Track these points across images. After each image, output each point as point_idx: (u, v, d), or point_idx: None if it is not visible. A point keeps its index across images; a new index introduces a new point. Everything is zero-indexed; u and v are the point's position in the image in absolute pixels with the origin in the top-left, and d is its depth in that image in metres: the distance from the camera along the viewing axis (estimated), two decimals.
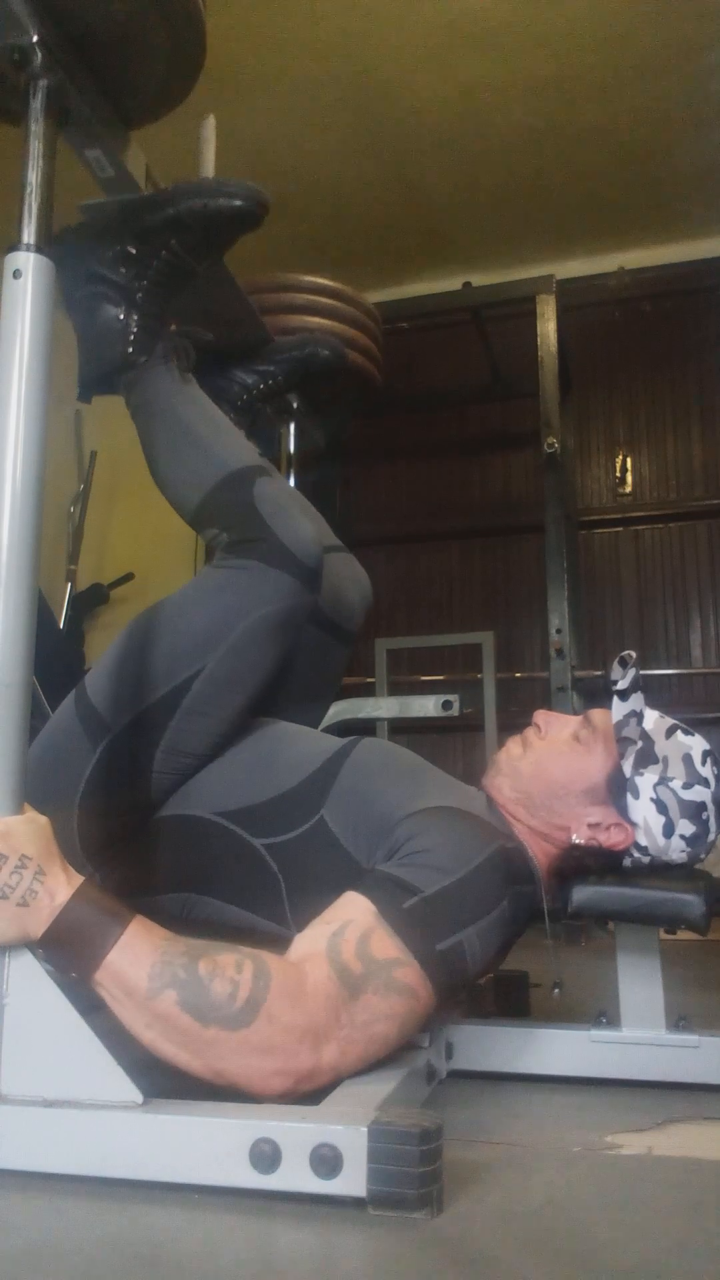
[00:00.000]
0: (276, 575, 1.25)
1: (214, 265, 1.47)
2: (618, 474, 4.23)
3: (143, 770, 1.24)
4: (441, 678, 3.90)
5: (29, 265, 1.03)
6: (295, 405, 2.44)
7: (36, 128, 1.08)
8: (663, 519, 4.15)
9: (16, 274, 1.03)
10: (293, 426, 2.72)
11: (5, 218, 1.09)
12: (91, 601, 4.22)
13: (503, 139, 3.58)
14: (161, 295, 1.38)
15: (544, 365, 3.54)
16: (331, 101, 3.41)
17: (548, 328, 3.56)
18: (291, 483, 2.74)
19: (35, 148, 1.08)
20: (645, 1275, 0.74)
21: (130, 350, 1.36)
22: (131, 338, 1.36)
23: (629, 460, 4.22)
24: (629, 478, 4.21)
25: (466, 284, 3.93)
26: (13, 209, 1.07)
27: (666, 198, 3.89)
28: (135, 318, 1.36)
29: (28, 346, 1.02)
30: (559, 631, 3.31)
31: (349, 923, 1.02)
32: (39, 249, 1.05)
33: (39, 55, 1.07)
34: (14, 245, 1.04)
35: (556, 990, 1.32)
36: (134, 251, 1.35)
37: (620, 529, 4.20)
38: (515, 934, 1.23)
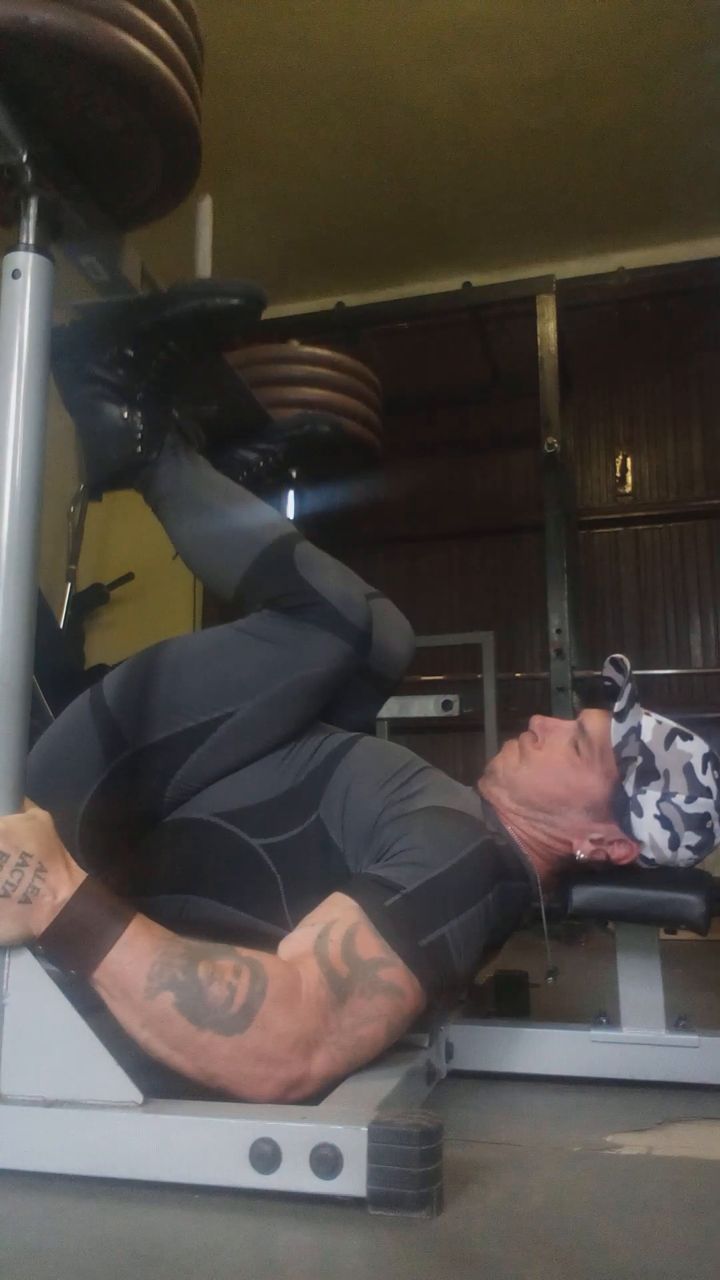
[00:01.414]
0: (328, 639, 1.25)
1: (212, 361, 1.47)
2: (618, 474, 4.23)
3: (154, 792, 1.25)
4: (441, 678, 3.90)
5: (28, 265, 1.03)
6: (294, 474, 2.46)
7: (28, 242, 1.06)
8: (663, 519, 4.15)
9: (15, 274, 1.03)
10: (291, 494, 2.74)
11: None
12: (91, 601, 4.21)
13: (503, 139, 3.58)
14: (162, 393, 1.38)
15: (544, 365, 3.54)
16: (331, 101, 3.40)
17: (548, 328, 3.56)
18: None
19: (25, 289, 1.06)
20: (645, 1275, 0.74)
21: (139, 449, 1.35)
22: (139, 436, 1.35)
23: (629, 460, 4.22)
24: (629, 478, 4.21)
25: (466, 284, 3.93)
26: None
27: (666, 198, 3.89)
28: (139, 415, 1.35)
29: (27, 346, 1.02)
30: (559, 631, 3.31)
31: (333, 923, 1.02)
32: (38, 249, 1.05)
33: (29, 173, 1.06)
34: (13, 245, 1.04)
35: (551, 978, 1.32)
36: (132, 354, 1.34)
37: (620, 529, 4.19)
38: (508, 929, 1.23)
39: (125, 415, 1.35)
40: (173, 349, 1.34)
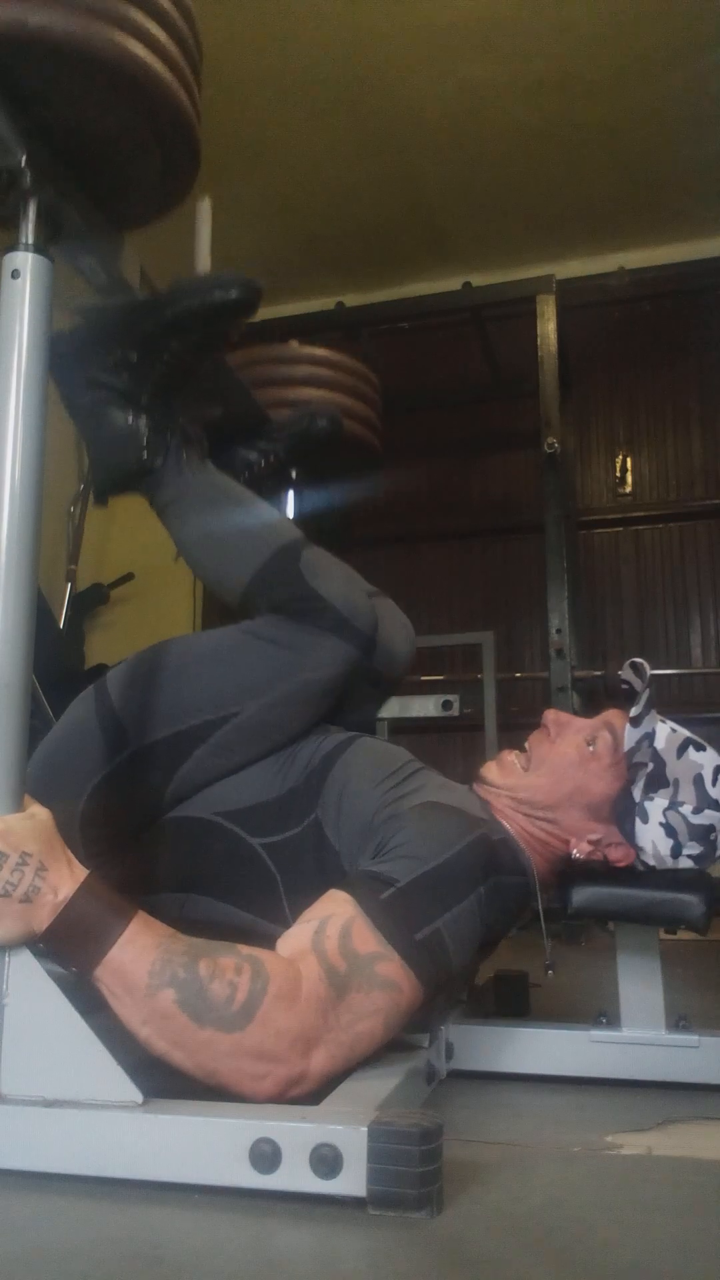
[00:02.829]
0: (335, 643, 1.26)
1: (213, 361, 1.47)
2: (618, 474, 4.23)
3: (155, 789, 1.25)
4: (441, 678, 3.90)
5: (27, 265, 1.03)
6: (294, 475, 2.46)
7: (27, 242, 1.06)
8: (663, 519, 4.15)
9: (15, 274, 1.03)
10: (291, 495, 2.74)
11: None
12: (91, 601, 4.21)
13: (503, 139, 3.58)
14: (167, 395, 1.37)
15: (544, 365, 3.54)
16: (331, 101, 3.40)
17: (548, 328, 3.56)
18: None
19: (24, 293, 1.06)
20: (645, 1275, 0.74)
21: (145, 455, 1.35)
22: (144, 442, 1.35)
23: (629, 460, 4.22)
24: (629, 478, 4.21)
25: (466, 284, 3.93)
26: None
27: (666, 198, 3.89)
28: (144, 420, 1.35)
29: (26, 346, 1.02)
30: (559, 631, 3.31)
31: (329, 918, 1.03)
32: (38, 249, 1.05)
33: (28, 175, 1.06)
34: (12, 245, 1.04)
35: (549, 972, 1.32)
36: (135, 358, 1.33)
37: (620, 529, 4.19)
38: (505, 924, 1.23)
39: (130, 420, 1.34)
40: (175, 349, 1.33)
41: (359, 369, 2.75)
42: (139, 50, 1.06)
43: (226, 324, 1.33)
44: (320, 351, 2.63)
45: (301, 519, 2.21)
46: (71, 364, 1.34)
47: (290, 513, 2.71)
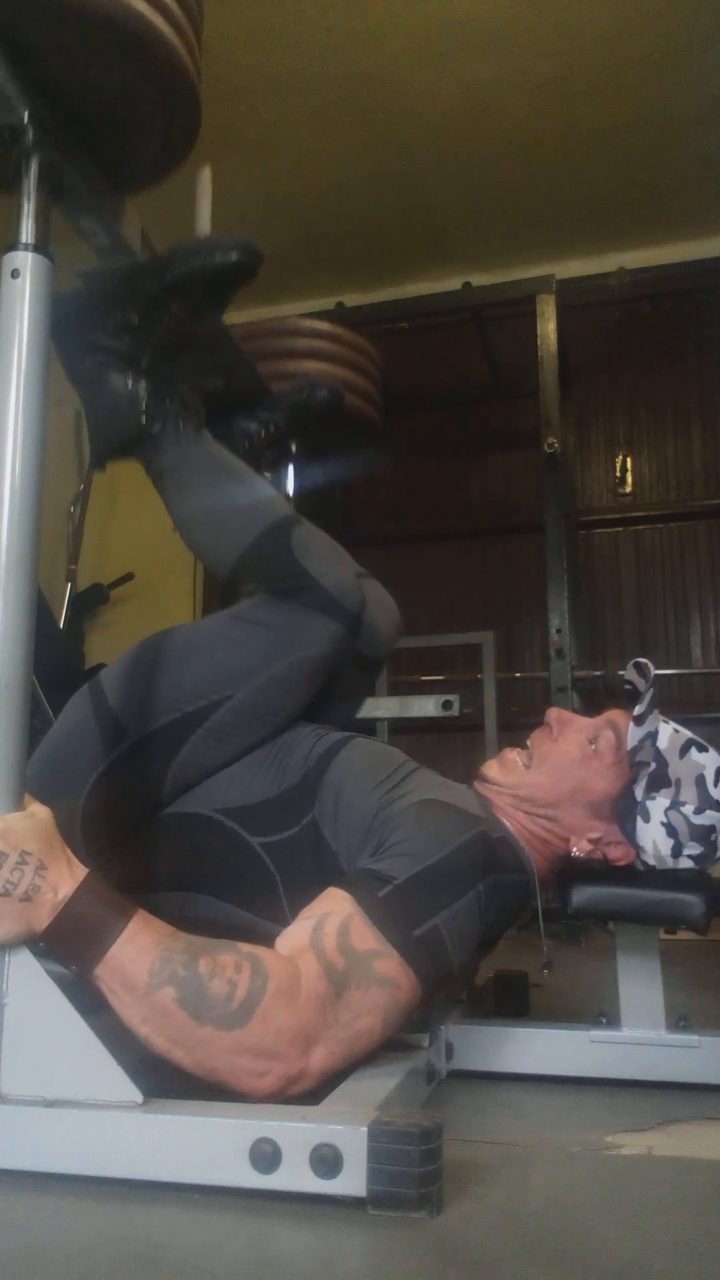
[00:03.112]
0: (324, 622, 1.27)
1: (215, 323, 1.46)
2: (618, 474, 4.23)
3: (154, 779, 1.25)
4: (441, 678, 3.90)
5: (27, 264, 1.03)
6: (294, 449, 2.45)
7: (29, 202, 1.06)
8: (663, 519, 4.14)
9: (15, 274, 1.03)
10: (291, 469, 2.73)
11: (5, 218, 1.08)
12: (91, 601, 4.21)
13: (503, 139, 3.58)
14: (167, 360, 1.37)
15: (544, 365, 3.54)
16: (331, 101, 3.40)
17: (548, 328, 3.56)
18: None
19: (27, 233, 1.07)
20: (645, 1275, 0.74)
21: (144, 420, 1.35)
22: (143, 407, 1.35)
23: (629, 460, 4.22)
24: (629, 478, 4.21)
25: (466, 284, 3.93)
26: (11, 211, 1.07)
27: (666, 198, 3.89)
28: (144, 385, 1.34)
29: (26, 346, 1.02)
30: (559, 631, 3.31)
31: (327, 915, 1.03)
32: (38, 248, 1.04)
33: (30, 133, 1.06)
34: (12, 244, 1.04)
35: (546, 970, 1.32)
36: (136, 321, 1.33)
37: (620, 529, 4.19)
38: (505, 921, 1.23)
39: (130, 385, 1.34)
40: (176, 312, 1.33)
41: (360, 343, 2.75)
42: (142, 7, 1.06)
43: (228, 287, 1.33)
44: (321, 325, 2.63)
45: (301, 492, 2.20)
46: (72, 328, 1.34)
47: (290, 486, 2.71)
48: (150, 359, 1.35)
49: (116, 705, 1.26)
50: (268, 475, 1.72)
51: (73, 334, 1.34)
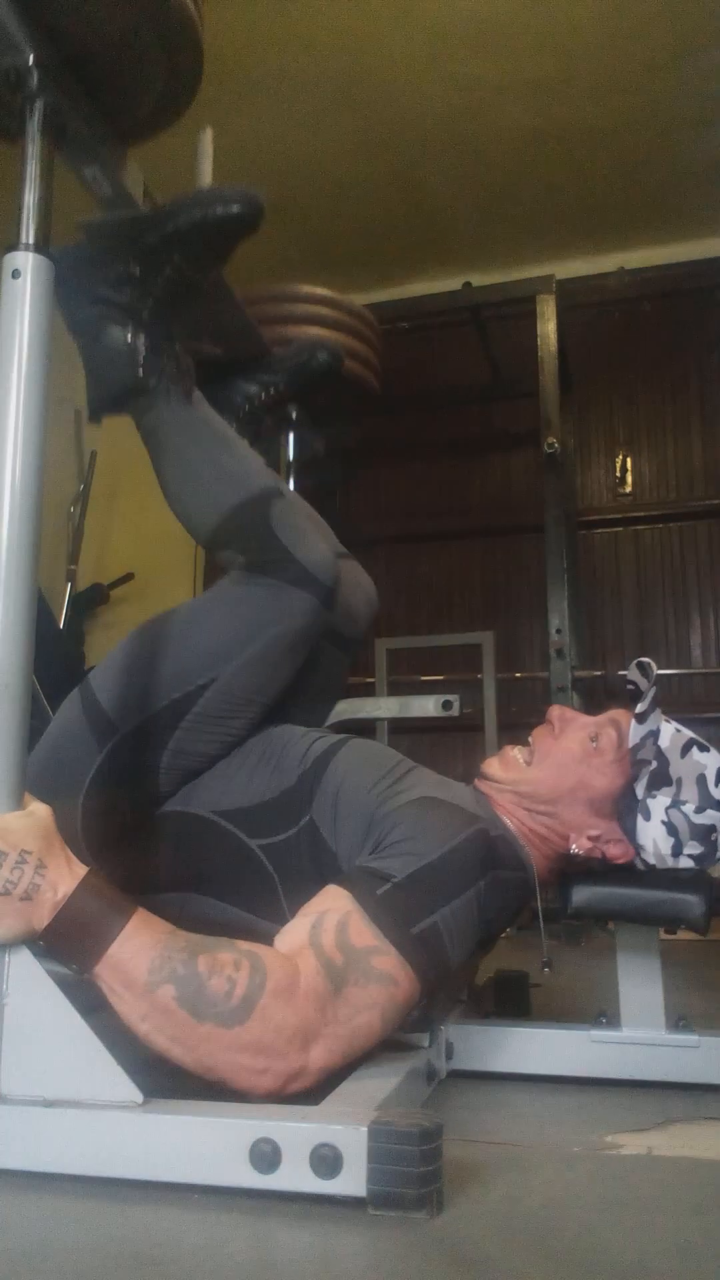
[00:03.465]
0: (297, 595, 1.27)
1: (216, 277, 1.46)
2: (618, 474, 4.23)
3: (149, 770, 1.25)
4: (441, 678, 3.90)
5: (28, 265, 1.03)
6: (294, 415, 2.44)
7: (33, 147, 1.07)
8: (663, 519, 4.14)
9: (15, 274, 1.03)
10: (291, 435, 2.73)
11: (5, 218, 1.08)
12: (91, 601, 4.21)
13: (503, 139, 3.58)
14: (167, 313, 1.37)
15: (544, 365, 3.54)
16: (331, 101, 3.40)
17: (548, 328, 3.56)
18: (291, 488, 2.75)
19: (32, 167, 1.08)
20: (645, 1275, 0.74)
21: (140, 373, 1.35)
22: (141, 359, 1.35)
23: (629, 460, 4.22)
24: (629, 478, 4.20)
25: (466, 284, 3.93)
26: (11, 210, 1.07)
27: (666, 198, 3.89)
28: (142, 339, 1.35)
29: (27, 346, 1.02)
30: (559, 631, 3.31)
31: (326, 912, 1.03)
32: (38, 248, 1.04)
33: (35, 76, 1.07)
34: (12, 245, 1.04)
35: (545, 969, 1.32)
36: (137, 272, 1.33)
37: (620, 529, 4.19)
38: (505, 919, 1.23)
39: (129, 338, 1.35)
40: (178, 263, 1.33)
41: (360, 310, 2.74)
42: None
43: (229, 238, 1.33)
44: (321, 291, 2.63)
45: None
46: (74, 279, 1.34)
47: (290, 451, 2.71)
48: (151, 312, 1.35)
49: (104, 701, 1.26)
50: (267, 440, 1.72)
51: (74, 285, 1.34)
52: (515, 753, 1.36)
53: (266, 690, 1.29)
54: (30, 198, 1.07)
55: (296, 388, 1.70)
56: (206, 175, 1.49)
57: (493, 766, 1.35)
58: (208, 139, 1.50)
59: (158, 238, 1.30)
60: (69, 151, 1.21)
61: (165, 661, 1.26)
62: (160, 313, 1.36)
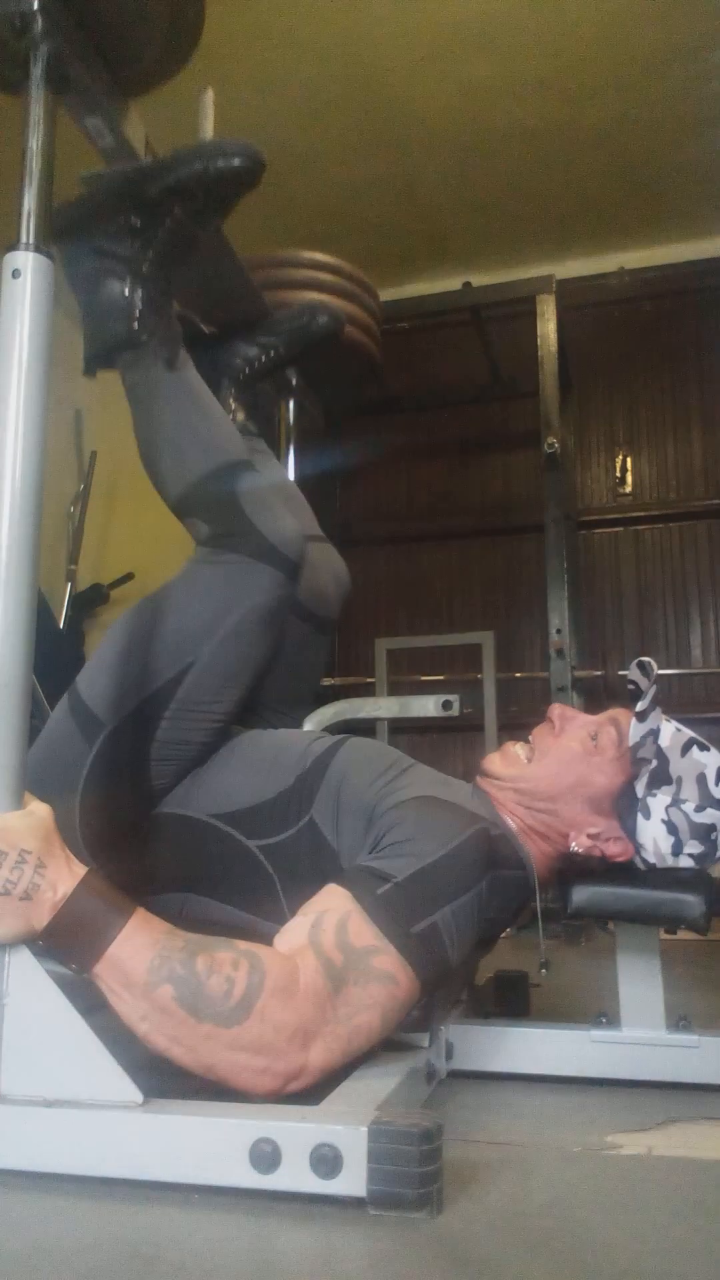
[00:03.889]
0: (261, 569, 1.28)
1: (216, 231, 1.47)
2: (618, 474, 4.22)
3: (141, 762, 1.25)
4: (441, 678, 3.90)
5: (28, 265, 1.03)
6: (294, 382, 2.44)
7: (37, 94, 1.08)
8: (663, 519, 4.14)
9: (15, 273, 1.03)
10: (291, 403, 2.72)
11: (5, 219, 1.08)
12: (91, 601, 4.22)
13: (503, 139, 3.58)
14: (167, 266, 1.38)
15: (544, 365, 3.54)
16: (331, 101, 3.40)
17: (548, 328, 3.56)
18: (290, 460, 2.75)
19: (36, 115, 1.08)
20: (645, 1275, 0.74)
21: (135, 326, 1.35)
22: (137, 313, 1.35)
23: (629, 460, 4.22)
24: (629, 478, 4.20)
25: (466, 284, 3.93)
26: (12, 209, 1.06)
27: (666, 198, 3.89)
28: (140, 293, 1.35)
29: (27, 346, 1.02)
30: (559, 631, 3.31)
31: (326, 912, 1.03)
32: (38, 248, 1.04)
33: (40, 21, 1.07)
34: (13, 244, 1.04)
35: (543, 970, 1.32)
36: (138, 223, 1.34)
37: (620, 529, 4.19)
38: (505, 918, 1.23)
39: (127, 292, 1.35)
40: (178, 215, 1.34)
41: (360, 278, 2.74)
42: None
43: (230, 191, 1.33)
44: (322, 257, 2.62)
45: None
46: (76, 232, 1.35)
47: (290, 417, 2.71)
48: (150, 266, 1.35)
49: (89, 699, 1.27)
50: (266, 407, 1.71)
51: (75, 237, 1.35)
52: (517, 749, 1.36)
53: (244, 669, 1.30)
54: (35, 142, 1.08)
55: (296, 350, 1.70)
56: (208, 135, 1.50)
57: (494, 762, 1.35)
58: (209, 100, 1.51)
59: (159, 189, 1.31)
60: (71, 101, 1.22)
61: (142, 653, 1.27)
62: (159, 267, 1.36)
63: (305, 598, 1.46)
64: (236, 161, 1.30)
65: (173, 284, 1.40)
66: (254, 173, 1.31)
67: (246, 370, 1.66)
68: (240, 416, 1.64)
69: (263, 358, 1.67)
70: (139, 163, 1.35)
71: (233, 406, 1.63)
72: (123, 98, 1.32)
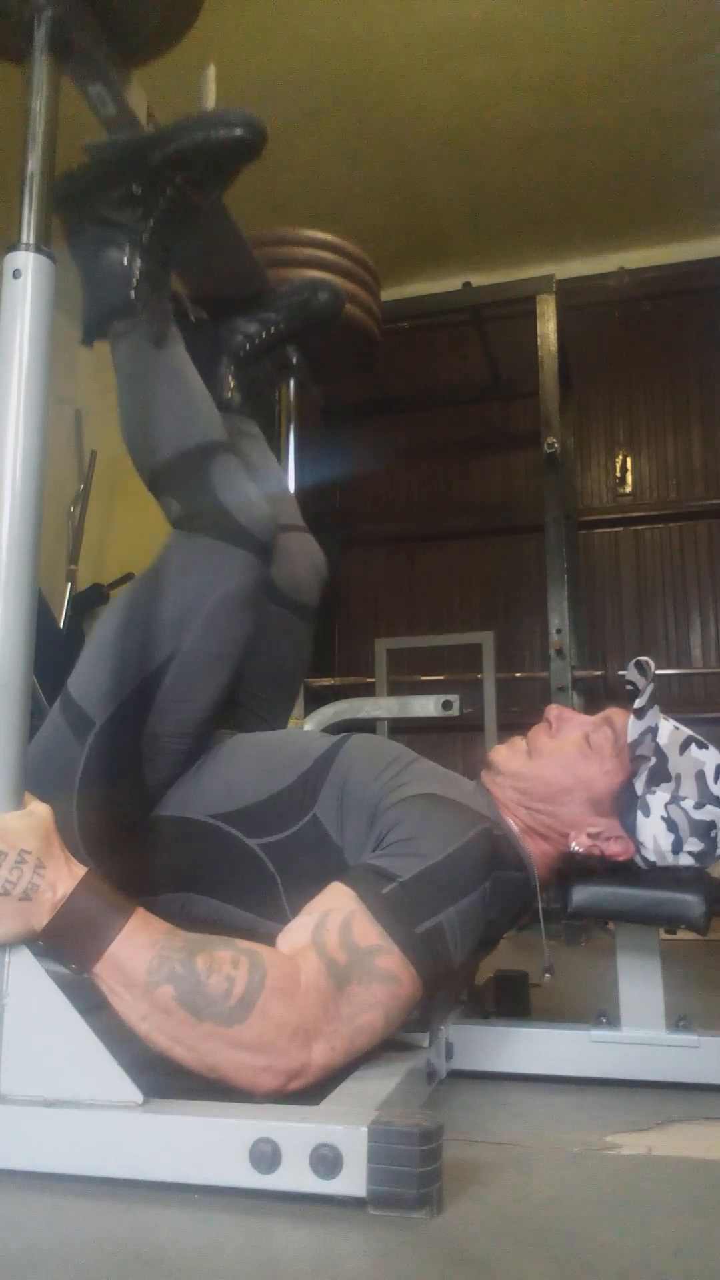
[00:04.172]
0: (232, 551, 1.28)
1: (217, 202, 1.47)
2: (618, 474, 4.23)
3: (134, 758, 1.25)
4: (441, 678, 3.90)
5: (29, 265, 1.03)
6: (294, 360, 2.43)
7: (40, 60, 1.08)
8: (663, 519, 4.15)
9: (16, 274, 1.03)
10: (292, 383, 2.72)
11: (5, 220, 1.08)
12: (91, 601, 4.21)
13: (503, 139, 3.58)
14: (167, 236, 1.38)
15: (544, 365, 3.54)
16: (331, 101, 3.40)
17: (548, 328, 3.56)
18: (290, 441, 2.74)
19: (39, 82, 1.09)
20: (645, 1275, 0.74)
21: (132, 296, 1.35)
22: (134, 283, 1.35)
23: (629, 460, 4.22)
24: (629, 478, 4.21)
25: (466, 284, 3.93)
26: (12, 209, 1.06)
27: (666, 198, 3.89)
28: (139, 264, 1.35)
29: (27, 346, 1.02)
30: (559, 631, 3.31)
31: (330, 911, 1.03)
32: (39, 248, 1.04)
33: None
34: (13, 245, 1.04)
35: (547, 975, 1.32)
36: (139, 192, 1.34)
37: (620, 529, 4.20)
38: (506, 920, 1.23)
39: (126, 261, 1.36)
40: (179, 184, 1.34)
41: (361, 257, 2.74)
42: None
43: (231, 161, 1.34)
44: (323, 235, 2.62)
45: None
46: (77, 200, 1.35)
47: (290, 396, 2.70)
48: (150, 235, 1.35)
49: (78, 698, 1.27)
50: (266, 387, 1.71)
51: (76, 206, 1.35)
52: (523, 743, 1.36)
53: (226, 655, 1.29)
54: (37, 104, 1.08)
55: (296, 326, 1.69)
56: (210, 106, 1.50)
57: (500, 754, 1.35)
58: (210, 77, 1.51)
59: (160, 158, 1.32)
60: (74, 68, 1.22)
61: (126, 647, 1.27)
62: (160, 237, 1.37)
63: (284, 586, 1.48)
64: (238, 131, 1.30)
65: (172, 256, 1.40)
66: (255, 144, 1.32)
67: (247, 347, 1.65)
68: (236, 397, 1.63)
69: (263, 334, 1.66)
70: (140, 132, 1.36)
71: (230, 385, 1.62)
72: (125, 66, 1.33)
